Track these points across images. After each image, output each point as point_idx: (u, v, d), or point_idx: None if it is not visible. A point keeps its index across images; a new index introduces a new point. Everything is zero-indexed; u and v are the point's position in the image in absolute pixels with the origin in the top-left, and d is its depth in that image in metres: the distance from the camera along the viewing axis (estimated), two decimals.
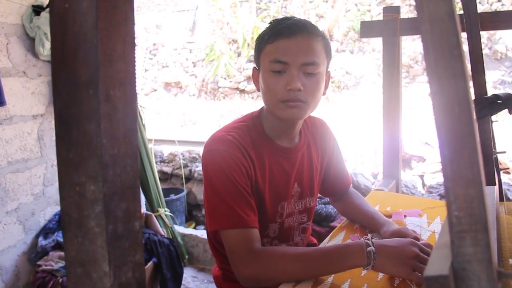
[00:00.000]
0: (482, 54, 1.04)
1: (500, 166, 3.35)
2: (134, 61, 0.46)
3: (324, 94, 1.15)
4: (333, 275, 1.02)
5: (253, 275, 0.99)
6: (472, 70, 1.07)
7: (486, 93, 1.05)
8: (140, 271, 0.47)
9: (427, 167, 3.16)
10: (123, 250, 0.45)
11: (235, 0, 9.38)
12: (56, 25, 0.43)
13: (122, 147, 0.44)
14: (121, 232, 0.44)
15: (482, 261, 0.37)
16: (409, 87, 6.98)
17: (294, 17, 1.10)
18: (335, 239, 1.25)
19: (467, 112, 0.37)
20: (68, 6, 0.42)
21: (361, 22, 1.85)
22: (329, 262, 0.96)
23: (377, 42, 7.75)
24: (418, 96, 6.41)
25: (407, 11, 8.00)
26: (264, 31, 1.12)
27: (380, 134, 1.94)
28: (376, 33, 1.84)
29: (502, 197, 1.63)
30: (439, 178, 2.97)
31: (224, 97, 8.85)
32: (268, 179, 1.15)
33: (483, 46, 7.03)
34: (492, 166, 1.05)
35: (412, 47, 7.55)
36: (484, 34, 7.46)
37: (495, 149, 1.53)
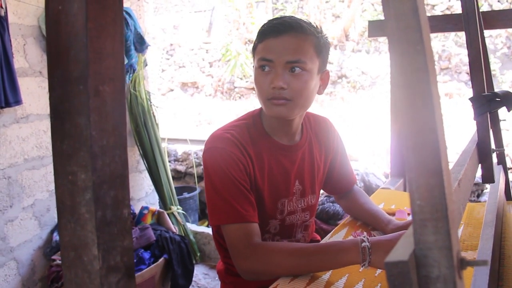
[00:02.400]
0: (480, 52, 1.04)
1: None
2: (123, 58, 0.49)
3: (320, 93, 1.17)
4: (330, 271, 1.04)
5: (252, 268, 1.02)
6: (470, 68, 1.08)
7: (484, 91, 1.06)
8: (128, 256, 0.49)
9: None
10: (111, 235, 0.47)
11: (251, 0, 9.43)
12: (50, 25, 0.46)
13: (111, 139, 0.47)
14: (110, 218, 0.47)
15: (442, 248, 0.39)
16: None
17: (287, 16, 1.12)
18: (337, 236, 1.27)
19: (429, 105, 0.39)
20: (61, 8, 0.45)
21: (368, 21, 1.86)
22: (324, 258, 0.98)
23: None
24: None
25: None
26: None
27: None
28: (383, 32, 1.85)
29: (509, 196, 1.63)
30: None
31: (240, 97, 8.90)
32: (268, 176, 1.17)
33: (501, 45, 6.90)
34: (490, 163, 1.05)
35: None
36: (503, 33, 7.34)
37: (501, 146, 1.53)
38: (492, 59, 7.03)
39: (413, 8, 0.40)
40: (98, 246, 0.46)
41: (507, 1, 7.70)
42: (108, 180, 0.47)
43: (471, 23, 0.99)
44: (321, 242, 1.23)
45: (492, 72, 6.94)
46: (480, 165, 1.07)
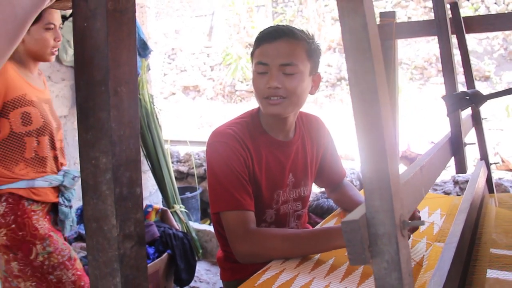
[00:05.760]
0: (451, 55, 1.15)
1: (504, 165, 3.40)
2: (136, 65, 0.60)
3: (312, 93, 1.28)
4: (319, 254, 1.15)
5: (248, 252, 1.13)
6: (443, 70, 1.19)
7: (456, 90, 1.17)
8: (140, 227, 0.60)
9: None
10: (127, 208, 0.58)
11: (251, 5, 9.57)
12: (77, 39, 0.58)
13: (127, 130, 0.58)
14: (125, 194, 0.58)
15: (386, 211, 0.50)
16: (423, 89, 7.02)
17: (280, 25, 1.25)
18: (327, 225, 1.37)
19: (375, 99, 0.50)
20: (86, 25, 0.56)
21: None
22: (314, 242, 1.10)
23: None
24: (431, 98, 6.45)
25: (422, 13, 8.04)
26: None
27: None
28: (381, 35, 1.96)
29: (492, 189, 1.74)
30: (443, 176, 3.06)
31: (240, 100, 9.03)
32: (265, 169, 1.28)
33: (498, 47, 6.98)
34: (462, 156, 1.17)
35: (426, 49, 7.59)
36: (499, 35, 7.44)
37: (484, 142, 1.65)
38: (487, 60, 7.14)
39: (363, 24, 0.51)
40: (116, 217, 0.56)
41: (503, 3, 7.80)
42: (124, 164, 0.58)
43: (442, 28, 1.10)
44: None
45: (487, 74, 6.98)
46: (453, 157, 1.18)
